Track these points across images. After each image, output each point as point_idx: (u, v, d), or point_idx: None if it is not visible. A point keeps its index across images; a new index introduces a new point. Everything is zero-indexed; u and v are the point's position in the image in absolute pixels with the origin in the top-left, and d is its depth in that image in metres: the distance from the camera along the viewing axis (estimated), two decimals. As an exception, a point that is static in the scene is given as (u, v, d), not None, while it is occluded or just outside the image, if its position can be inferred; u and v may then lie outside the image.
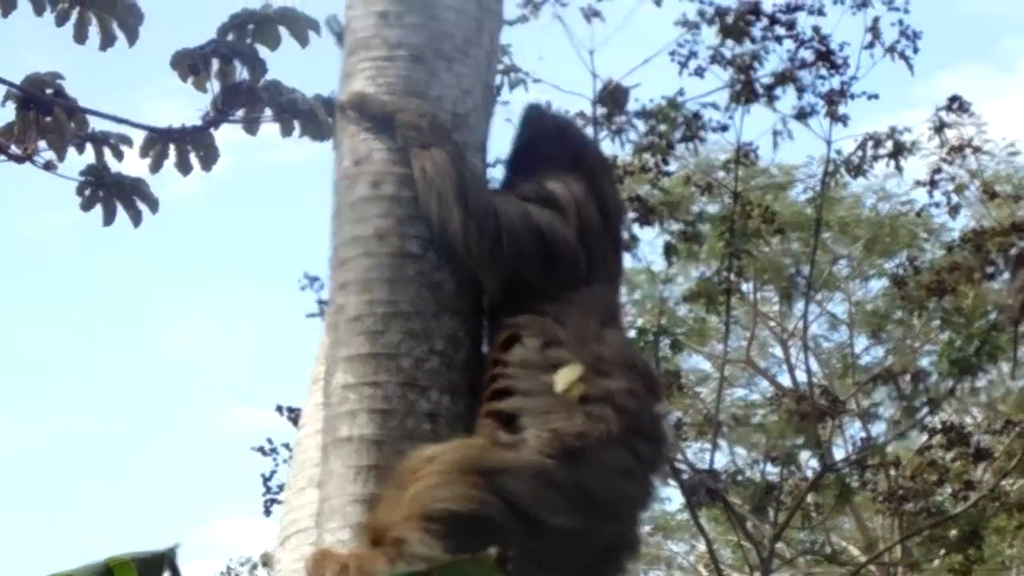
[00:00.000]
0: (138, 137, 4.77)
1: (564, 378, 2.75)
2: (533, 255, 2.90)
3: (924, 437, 9.34)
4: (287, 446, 9.14)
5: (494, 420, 2.77)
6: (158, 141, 4.73)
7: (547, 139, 3.16)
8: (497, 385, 2.82)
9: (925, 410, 8.37)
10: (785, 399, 9.43)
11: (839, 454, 11.20)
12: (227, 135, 4.85)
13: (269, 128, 4.72)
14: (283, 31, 4.64)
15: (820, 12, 8.45)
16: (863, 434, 10.76)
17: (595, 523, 2.72)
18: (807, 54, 8.46)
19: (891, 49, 8.35)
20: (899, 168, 8.67)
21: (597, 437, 2.70)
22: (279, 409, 9.23)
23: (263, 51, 4.64)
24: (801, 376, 11.90)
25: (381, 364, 2.87)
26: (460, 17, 3.09)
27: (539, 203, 2.97)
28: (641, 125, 8.67)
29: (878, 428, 10.92)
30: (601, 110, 8.13)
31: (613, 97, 6.94)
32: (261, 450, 9.37)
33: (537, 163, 3.08)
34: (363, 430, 2.84)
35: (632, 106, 8.53)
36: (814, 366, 12.97)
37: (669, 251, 8.52)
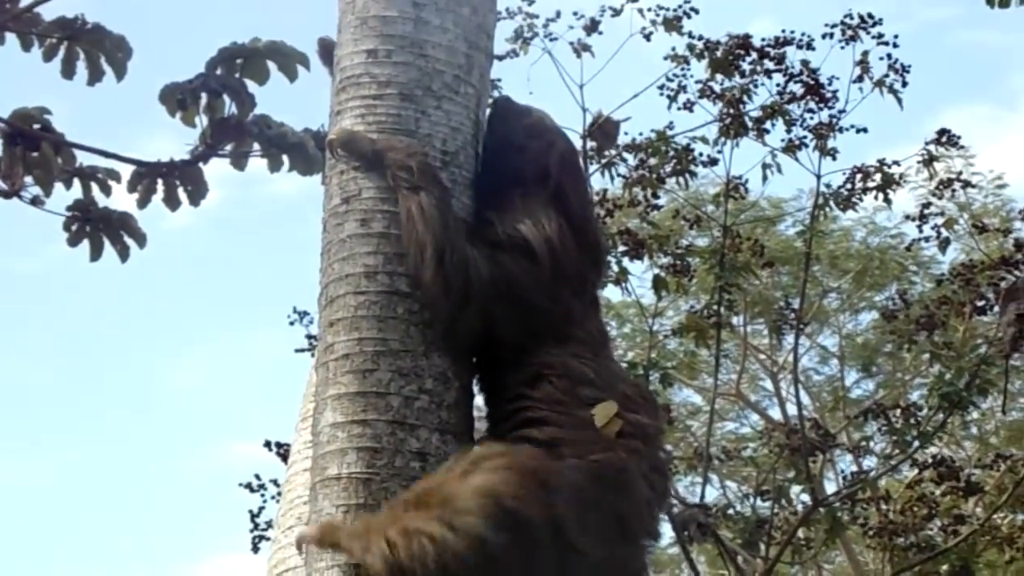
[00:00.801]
0: (126, 172, 4.75)
1: (602, 414, 2.88)
2: (503, 313, 2.93)
3: (915, 471, 9.29)
4: (275, 482, 9.07)
5: (531, 446, 2.82)
6: (146, 176, 4.71)
7: (512, 150, 3.15)
8: (529, 415, 2.88)
9: (916, 444, 8.32)
10: (775, 433, 9.38)
11: (830, 488, 11.19)
12: (216, 169, 4.84)
13: (258, 162, 4.71)
14: (271, 65, 4.63)
15: (809, 46, 8.45)
16: (854, 468, 10.73)
17: (620, 550, 2.83)
18: (796, 87, 8.46)
19: (879, 83, 8.34)
20: (888, 201, 8.64)
21: (634, 468, 2.85)
22: (267, 445, 9.15)
23: (251, 85, 4.63)
24: (792, 409, 11.92)
25: (370, 402, 2.85)
26: (450, 55, 3.09)
27: (512, 251, 2.99)
28: (631, 159, 8.66)
29: (869, 462, 10.89)
30: (591, 144, 8.12)
31: (603, 131, 6.93)
32: (249, 486, 9.29)
33: (506, 185, 3.08)
34: (352, 469, 2.82)
35: (622, 139, 8.54)
36: (804, 399, 13.00)
37: (658, 285, 8.48)
